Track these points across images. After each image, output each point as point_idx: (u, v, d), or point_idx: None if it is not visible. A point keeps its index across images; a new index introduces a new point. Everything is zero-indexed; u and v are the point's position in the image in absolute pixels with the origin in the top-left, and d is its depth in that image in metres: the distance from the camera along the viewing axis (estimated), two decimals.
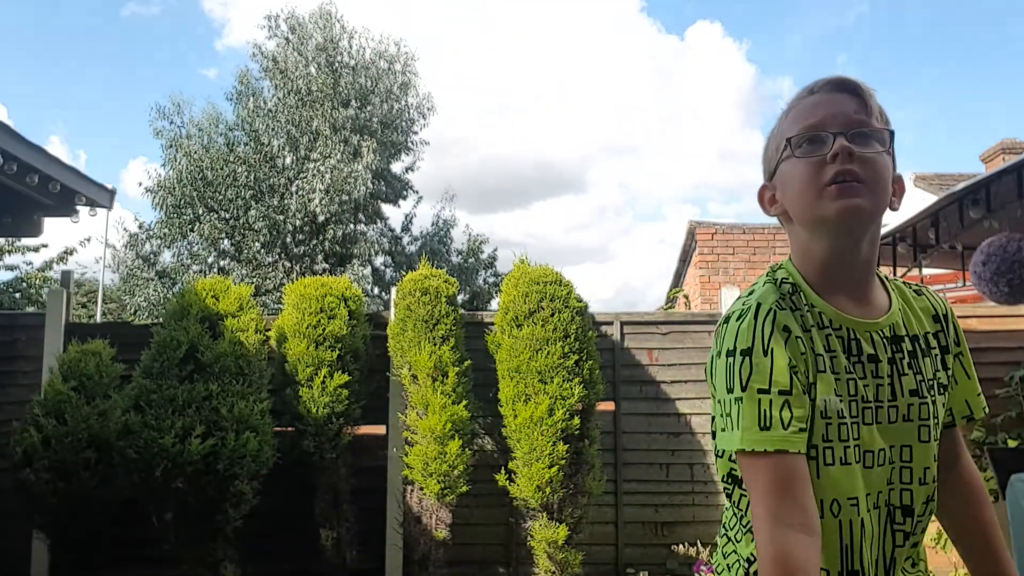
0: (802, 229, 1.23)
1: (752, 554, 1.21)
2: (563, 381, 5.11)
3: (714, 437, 1.23)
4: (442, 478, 5.12)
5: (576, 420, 5.11)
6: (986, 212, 4.40)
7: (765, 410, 1.13)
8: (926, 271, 6.06)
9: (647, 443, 6.11)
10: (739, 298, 1.25)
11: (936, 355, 1.28)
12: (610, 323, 6.22)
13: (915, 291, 1.33)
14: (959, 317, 5.27)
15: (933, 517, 1.28)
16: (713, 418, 1.23)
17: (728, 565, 1.28)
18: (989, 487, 5.35)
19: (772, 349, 1.15)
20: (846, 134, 1.17)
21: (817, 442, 1.16)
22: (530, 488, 5.06)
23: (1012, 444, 5.54)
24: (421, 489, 5.21)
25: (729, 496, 1.29)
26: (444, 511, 5.23)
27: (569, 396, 5.09)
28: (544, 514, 5.14)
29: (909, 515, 1.23)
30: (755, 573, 1.19)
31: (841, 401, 1.17)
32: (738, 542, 1.27)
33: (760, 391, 1.13)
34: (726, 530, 1.32)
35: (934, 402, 1.24)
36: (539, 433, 5.03)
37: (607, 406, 5.93)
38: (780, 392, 1.13)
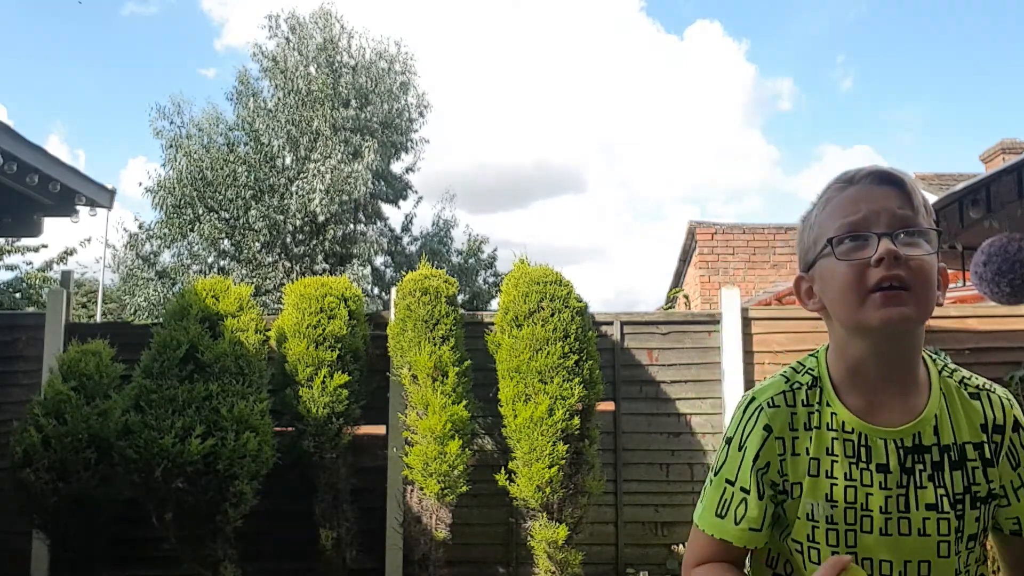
0: (842, 330, 1.18)
1: None
2: (563, 381, 5.12)
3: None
4: (442, 478, 5.12)
5: (576, 420, 5.11)
6: (986, 212, 4.40)
7: (726, 500, 1.21)
8: None
9: (647, 443, 6.11)
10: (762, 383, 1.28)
11: (975, 467, 1.18)
12: (610, 323, 6.22)
13: (971, 395, 1.21)
14: (959, 317, 5.22)
15: None
16: None
17: None
18: None
19: (746, 447, 1.20)
20: (891, 235, 1.11)
21: (801, 540, 1.18)
22: (530, 488, 5.06)
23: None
24: (421, 489, 5.21)
25: None
26: (444, 511, 5.23)
27: (569, 396, 5.09)
28: (544, 514, 5.14)
29: None
30: None
31: (834, 507, 1.16)
32: None
33: (727, 481, 1.22)
34: None
35: (960, 516, 1.16)
36: (539, 433, 5.03)
37: (607, 406, 5.93)
38: (741, 489, 1.20)
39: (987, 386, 1.23)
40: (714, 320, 6.23)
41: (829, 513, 1.15)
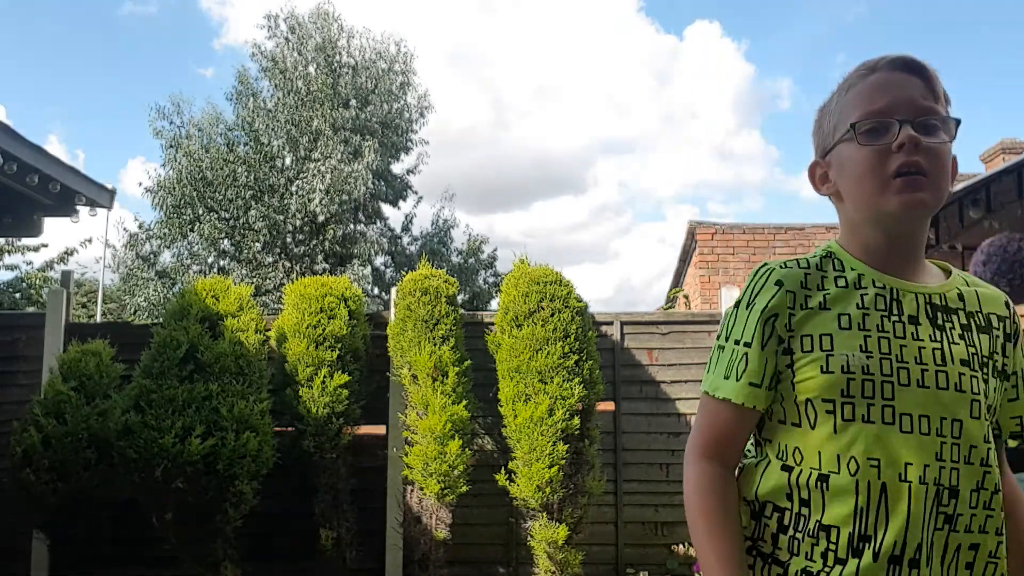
0: (856, 214, 1.21)
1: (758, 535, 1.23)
2: (563, 381, 5.12)
3: None
4: (442, 478, 5.12)
5: (576, 420, 5.11)
6: (986, 212, 4.41)
7: (730, 360, 1.22)
8: None
9: (647, 443, 6.11)
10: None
11: (998, 338, 1.22)
12: (610, 323, 6.22)
13: (986, 285, 1.30)
14: None
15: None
16: None
17: None
18: None
19: (754, 304, 1.21)
20: (912, 122, 1.13)
21: (835, 397, 1.14)
22: (530, 488, 5.06)
23: (1012, 444, 5.53)
24: (421, 489, 5.21)
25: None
26: (444, 511, 5.23)
27: (569, 396, 5.09)
28: (544, 514, 5.13)
29: (955, 497, 1.11)
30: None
31: (870, 358, 1.13)
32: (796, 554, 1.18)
33: (735, 341, 1.23)
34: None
35: (986, 380, 1.17)
36: (539, 433, 5.03)
37: (607, 406, 5.93)
38: (745, 344, 1.21)
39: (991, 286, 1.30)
40: (714, 320, 6.23)
41: (865, 363, 1.13)
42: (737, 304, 1.25)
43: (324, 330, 5.40)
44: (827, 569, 1.12)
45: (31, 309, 12.00)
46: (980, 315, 1.22)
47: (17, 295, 12.89)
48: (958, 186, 4.48)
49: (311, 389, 5.29)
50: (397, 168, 16.10)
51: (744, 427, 1.23)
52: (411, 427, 5.29)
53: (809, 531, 1.14)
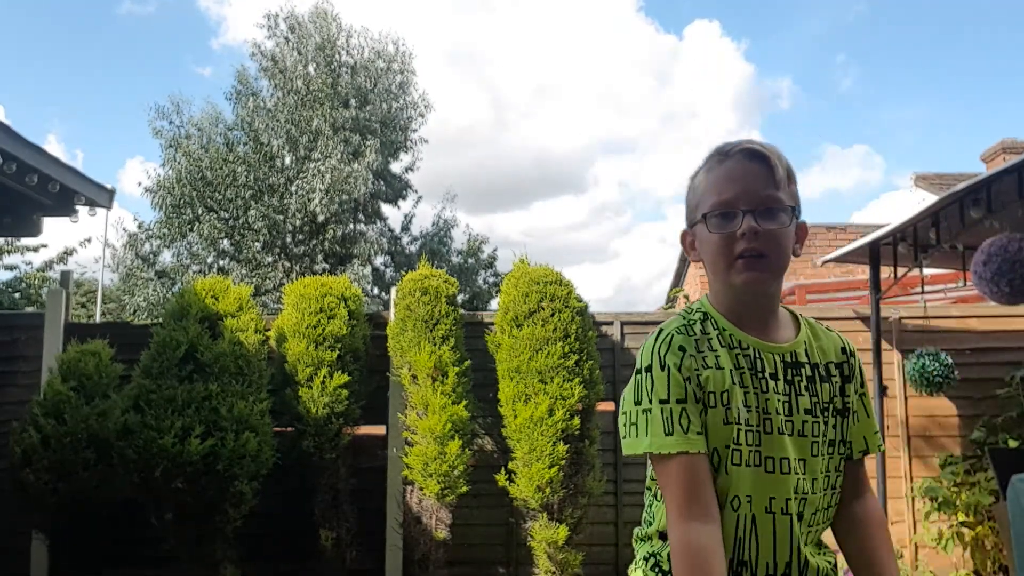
0: (719, 285, 1.42)
1: (651, 552, 1.42)
2: (563, 381, 5.11)
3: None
4: (442, 478, 5.12)
5: (576, 420, 5.10)
6: (987, 212, 4.39)
7: (667, 418, 1.31)
8: (927, 271, 6.05)
9: None
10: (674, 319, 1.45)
11: (836, 383, 1.44)
12: (610, 323, 6.22)
13: (827, 329, 1.50)
14: (960, 317, 5.23)
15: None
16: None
17: (643, 557, 1.44)
18: (990, 487, 5.34)
19: (668, 365, 1.33)
20: (755, 212, 1.33)
21: (727, 444, 1.32)
22: (530, 488, 5.05)
23: (1013, 444, 5.53)
24: (421, 489, 5.21)
25: (652, 494, 1.47)
26: (444, 511, 5.23)
27: (569, 396, 5.08)
28: (544, 514, 5.13)
29: (803, 524, 1.37)
30: (656, 567, 1.39)
31: (749, 410, 1.33)
32: (648, 539, 1.45)
33: (661, 402, 1.32)
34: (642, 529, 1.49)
35: (826, 423, 1.41)
36: (539, 433, 5.02)
37: (607, 406, 5.92)
38: (678, 401, 1.31)
39: (832, 330, 1.52)
40: None
41: (747, 416, 1.33)
42: (646, 368, 1.35)
43: (324, 330, 5.39)
44: None
45: (30, 309, 11.99)
46: (821, 366, 1.43)
47: (16, 295, 12.89)
48: (959, 186, 4.47)
49: (311, 389, 5.28)
50: (396, 167, 16.10)
51: (705, 467, 1.31)
52: (411, 427, 5.28)
53: None
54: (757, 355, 1.37)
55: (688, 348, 1.34)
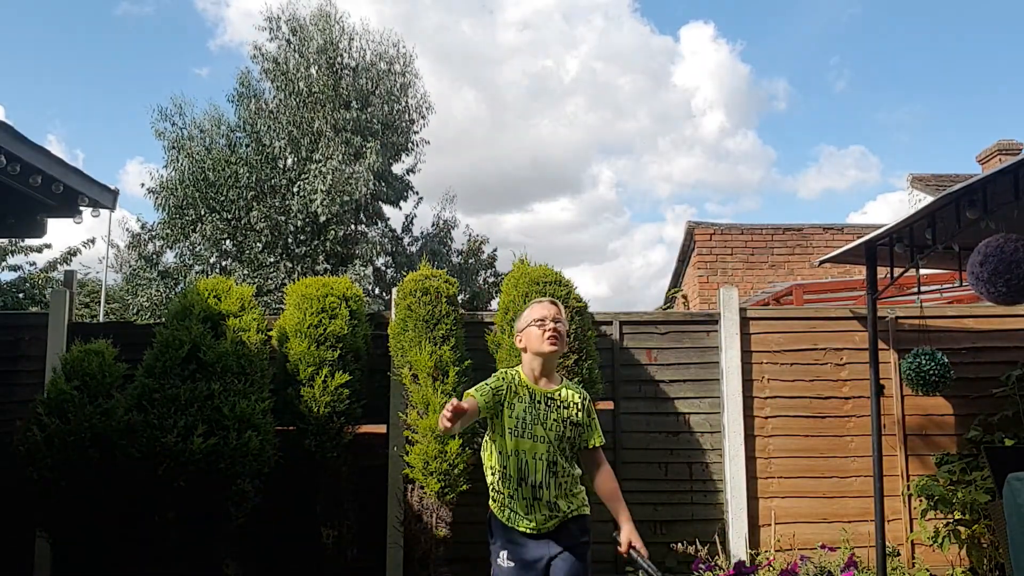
0: (531, 357, 2.92)
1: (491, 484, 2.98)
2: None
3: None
4: (442, 477, 5.16)
5: None
6: (983, 213, 4.42)
7: (482, 386, 2.83)
8: (923, 271, 6.09)
9: (646, 442, 6.15)
10: (502, 370, 2.94)
11: (576, 410, 2.92)
12: (609, 323, 6.26)
13: (574, 388, 2.98)
14: (956, 317, 5.29)
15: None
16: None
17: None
18: (986, 486, 5.38)
19: (499, 376, 2.88)
20: (554, 322, 2.89)
21: (512, 426, 2.80)
22: None
23: (1008, 443, 5.56)
24: (422, 488, 5.25)
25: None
26: (444, 510, 5.27)
27: None
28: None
29: (555, 464, 2.83)
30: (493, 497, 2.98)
31: (521, 416, 2.81)
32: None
33: (486, 384, 2.85)
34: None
35: (566, 427, 2.88)
36: None
37: (606, 405, 5.96)
38: (490, 388, 2.82)
39: (578, 386, 3.03)
40: (712, 320, 6.27)
41: (522, 417, 2.81)
42: (489, 379, 2.89)
43: (325, 330, 5.44)
44: (515, 491, 2.84)
45: (34, 309, 12.04)
46: (568, 401, 2.92)
47: (20, 295, 12.93)
48: (955, 187, 4.50)
49: (312, 388, 5.32)
50: (398, 169, 16.14)
51: (475, 410, 2.76)
52: (412, 426, 5.32)
53: (506, 476, 2.86)
54: (534, 393, 2.87)
55: (504, 380, 2.85)
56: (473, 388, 2.82)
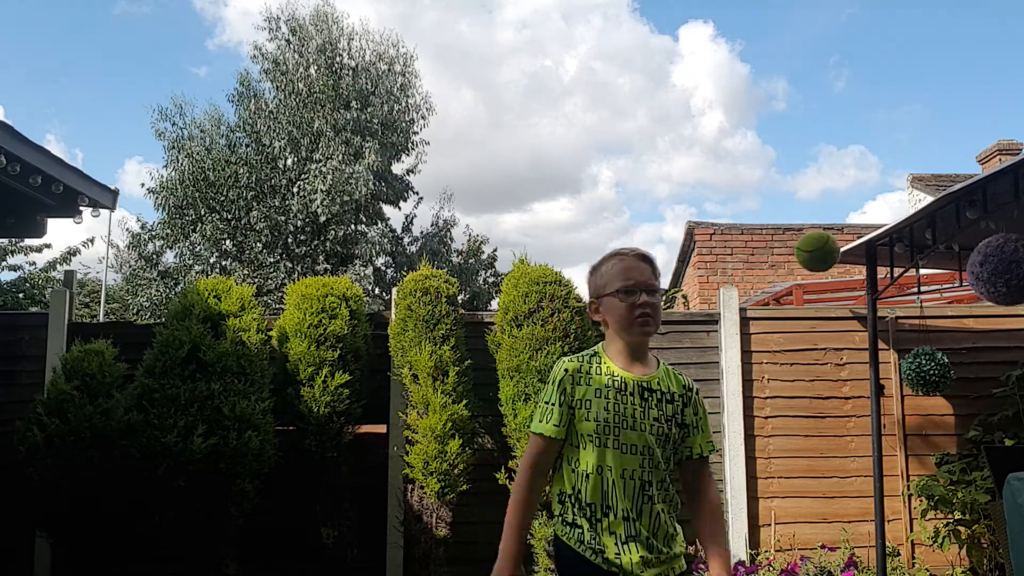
0: (616, 334, 2.17)
1: (559, 513, 2.18)
2: None
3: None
4: (442, 477, 5.16)
5: None
6: (983, 213, 4.43)
7: (545, 411, 2.13)
8: (923, 271, 6.09)
9: None
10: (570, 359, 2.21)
11: (678, 406, 2.17)
12: None
13: (676, 374, 2.24)
14: (956, 317, 5.28)
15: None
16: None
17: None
18: (986, 486, 5.38)
19: (558, 380, 2.14)
20: (647, 291, 2.13)
21: (593, 432, 2.08)
22: None
23: (1008, 443, 5.56)
24: (422, 488, 5.25)
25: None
26: (444, 510, 5.27)
27: None
28: (544, 513, 5.17)
29: (650, 486, 2.09)
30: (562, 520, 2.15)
31: (608, 414, 2.08)
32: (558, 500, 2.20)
33: (546, 403, 2.14)
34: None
35: (670, 428, 2.14)
36: None
37: None
38: (555, 404, 2.12)
39: (681, 374, 2.26)
40: (712, 320, 6.26)
41: (605, 417, 2.08)
42: (544, 381, 2.12)
43: (325, 330, 5.44)
44: (593, 526, 2.07)
45: (34, 309, 12.05)
46: (668, 394, 2.17)
47: (20, 295, 12.95)
48: (955, 187, 4.50)
49: (312, 388, 5.32)
50: (398, 169, 16.14)
51: (554, 449, 2.14)
52: (412, 426, 5.32)
53: (582, 502, 2.10)
54: (623, 381, 2.12)
55: (570, 370, 2.13)
56: (539, 418, 2.12)
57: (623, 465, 2.06)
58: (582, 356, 2.19)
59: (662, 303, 2.15)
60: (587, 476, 2.06)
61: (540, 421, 2.11)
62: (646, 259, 2.18)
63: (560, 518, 2.13)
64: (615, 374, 2.12)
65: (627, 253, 2.20)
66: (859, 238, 5.49)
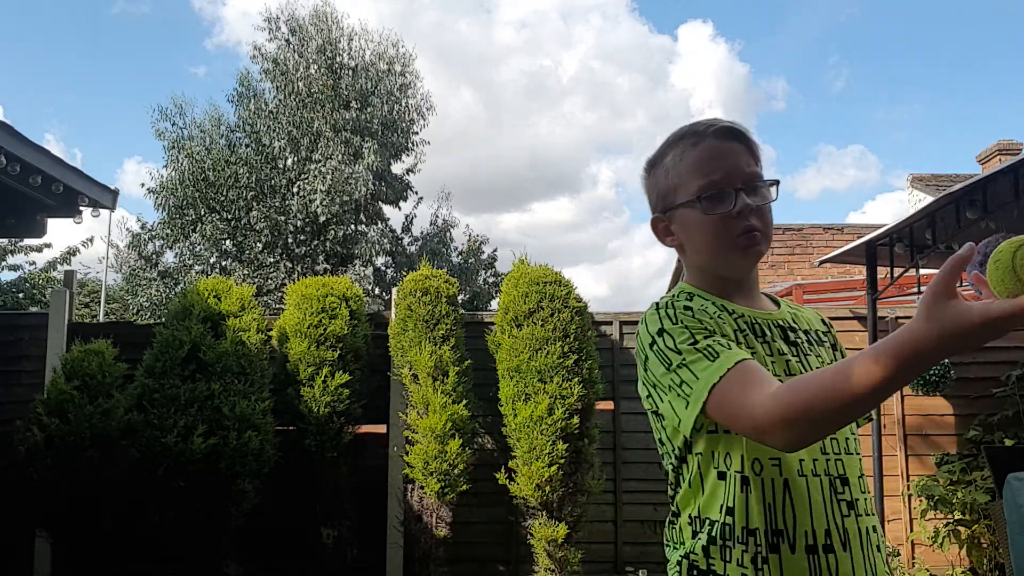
0: (707, 265, 1.36)
1: (690, 550, 1.25)
2: (563, 380, 5.15)
3: (662, 426, 1.38)
4: (442, 477, 5.16)
5: (575, 419, 5.14)
6: (983, 213, 4.43)
7: (704, 348, 1.19)
8: (923, 271, 6.09)
9: (646, 442, 6.14)
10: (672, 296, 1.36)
11: (829, 347, 1.40)
12: (609, 323, 6.25)
13: (798, 305, 1.47)
14: None
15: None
16: (660, 414, 1.32)
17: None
18: (986, 486, 5.38)
19: (680, 318, 1.25)
20: (746, 191, 1.29)
21: None
22: (530, 487, 5.10)
23: (1008, 443, 5.56)
24: (422, 488, 5.25)
25: (677, 484, 1.35)
26: (444, 509, 5.27)
27: (568, 395, 5.12)
28: (544, 512, 5.17)
29: (846, 484, 1.23)
30: (692, 569, 1.24)
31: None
32: (682, 543, 1.29)
33: (691, 345, 1.20)
34: (670, 541, 1.34)
35: None
36: (539, 432, 5.06)
37: (606, 405, 5.96)
38: (709, 334, 1.21)
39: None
40: None
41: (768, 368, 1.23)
42: (659, 333, 1.25)
43: (325, 330, 5.44)
44: (759, 571, 1.17)
45: (34, 309, 12.05)
46: (812, 332, 1.38)
47: (20, 295, 12.94)
48: (955, 187, 4.51)
49: (312, 388, 5.32)
50: (398, 169, 16.14)
51: (765, 370, 1.19)
52: (412, 426, 5.32)
53: (737, 538, 1.20)
54: (751, 321, 1.30)
55: (694, 306, 1.26)
56: (695, 377, 1.17)
57: (802, 454, 1.19)
58: (674, 302, 1.29)
59: (774, 199, 1.34)
60: (743, 482, 1.19)
61: (712, 358, 1.17)
62: (736, 134, 1.33)
63: (688, 563, 1.25)
64: (736, 312, 1.30)
65: (705, 130, 1.33)
66: (859, 238, 5.50)
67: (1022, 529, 3.88)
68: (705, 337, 1.20)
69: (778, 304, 1.41)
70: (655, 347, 1.25)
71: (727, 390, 1.14)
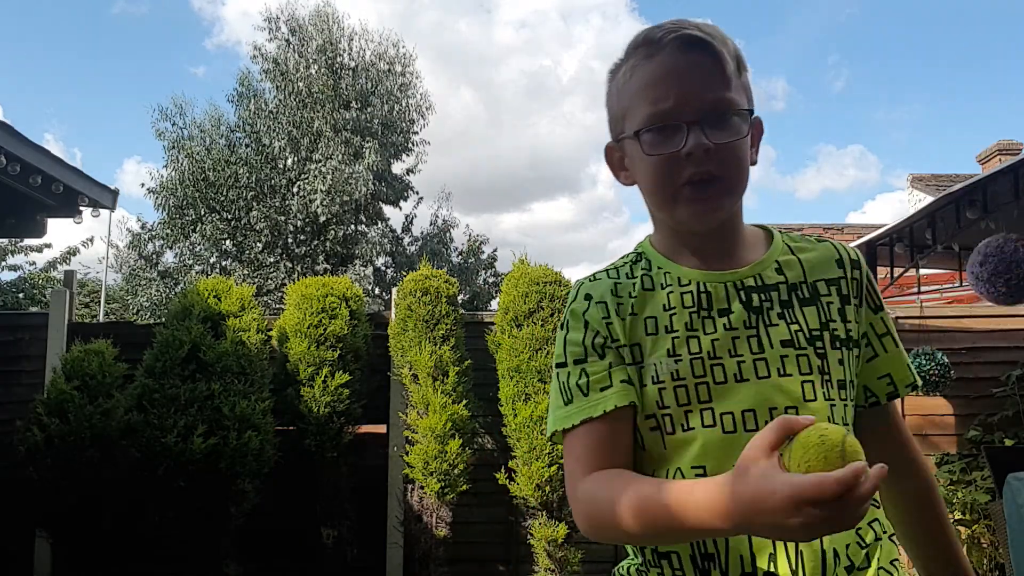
0: (655, 213, 1.12)
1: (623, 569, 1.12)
2: None
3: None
4: (442, 477, 5.16)
5: None
6: (983, 213, 4.43)
7: (563, 383, 1.05)
8: (923, 271, 6.09)
9: None
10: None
11: (830, 303, 1.07)
12: None
13: (818, 240, 1.14)
14: (956, 317, 5.22)
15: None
16: None
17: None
18: (986, 486, 5.38)
19: (568, 323, 1.08)
20: (701, 123, 1.00)
21: (654, 411, 1.02)
22: (530, 487, 5.10)
23: (1008, 443, 5.56)
24: (422, 488, 5.25)
25: None
26: (444, 510, 5.27)
27: None
28: (544, 512, 5.17)
29: None
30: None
31: (679, 361, 1.01)
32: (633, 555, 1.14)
33: (559, 366, 1.07)
34: None
35: (822, 355, 1.03)
36: (539, 432, 5.07)
37: None
38: (575, 362, 1.05)
39: (831, 241, 1.14)
40: None
41: (674, 368, 1.01)
42: (562, 326, 1.10)
43: (325, 330, 5.44)
44: None
45: (34, 309, 12.05)
46: (805, 286, 1.07)
47: (20, 295, 12.95)
48: (955, 187, 4.51)
49: (312, 388, 5.32)
50: (398, 169, 16.14)
51: (624, 430, 1.03)
52: (412, 426, 5.32)
53: (651, 561, 1.04)
54: (702, 288, 1.05)
55: (595, 295, 1.08)
56: (558, 402, 1.06)
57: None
58: (613, 266, 1.13)
59: (746, 139, 1.03)
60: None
61: (566, 400, 1.04)
62: (699, 43, 1.02)
63: None
64: (682, 278, 1.07)
65: (661, 38, 1.04)
66: (859, 238, 5.50)
67: (1022, 529, 3.88)
68: (575, 361, 1.05)
69: (770, 245, 1.12)
70: (560, 332, 1.11)
71: (567, 442, 1.04)
